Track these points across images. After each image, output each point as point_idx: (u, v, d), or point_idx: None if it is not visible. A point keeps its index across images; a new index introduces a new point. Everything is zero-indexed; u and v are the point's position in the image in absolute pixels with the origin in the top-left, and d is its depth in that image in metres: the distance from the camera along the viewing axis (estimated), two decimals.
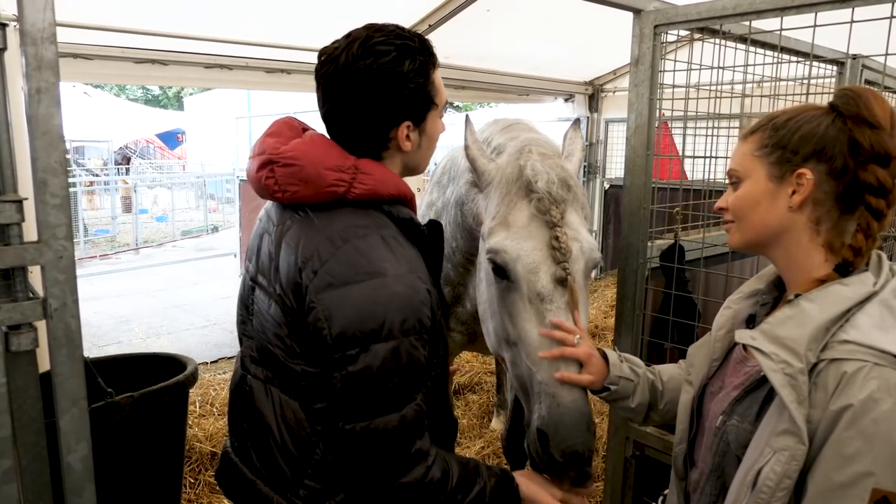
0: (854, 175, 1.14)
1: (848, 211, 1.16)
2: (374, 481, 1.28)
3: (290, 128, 1.45)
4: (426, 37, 1.41)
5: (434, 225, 1.48)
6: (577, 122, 2.01)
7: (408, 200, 1.41)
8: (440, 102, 1.43)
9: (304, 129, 1.47)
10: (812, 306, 1.13)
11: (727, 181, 1.32)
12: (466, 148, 1.88)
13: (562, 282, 1.61)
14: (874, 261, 1.18)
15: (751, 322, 1.33)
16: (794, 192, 1.17)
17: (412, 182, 4.97)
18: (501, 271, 1.66)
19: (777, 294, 1.32)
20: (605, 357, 1.57)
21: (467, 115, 1.97)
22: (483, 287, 1.85)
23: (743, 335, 1.19)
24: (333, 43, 1.37)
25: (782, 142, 1.18)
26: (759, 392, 1.18)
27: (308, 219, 1.34)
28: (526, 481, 1.48)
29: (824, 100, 1.26)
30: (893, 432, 1.00)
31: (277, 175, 1.34)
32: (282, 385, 1.35)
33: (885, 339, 1.06)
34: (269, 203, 1.48)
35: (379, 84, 1.32)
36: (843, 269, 1.16)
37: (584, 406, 1.52)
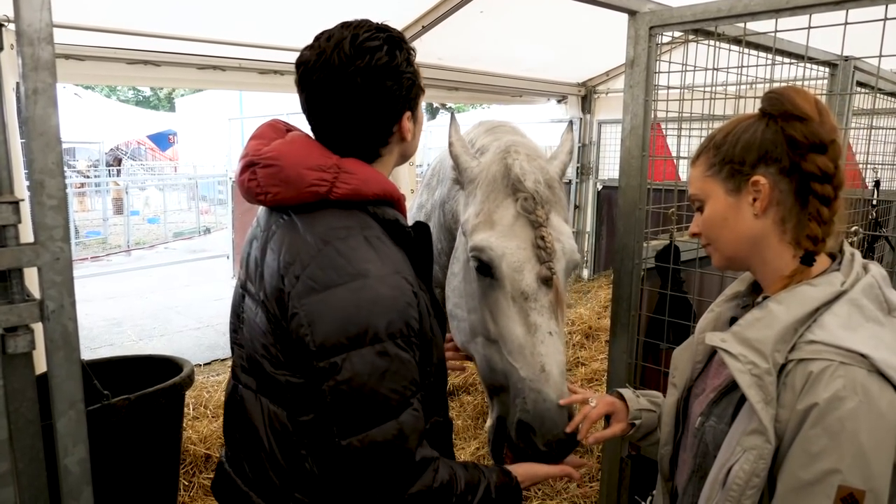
0: (799, 168, 1.17)
1: (805, 204, 1.19)
2: (382, 496, 1.23)
3: (274, 130, 1.43)
4: (421, 38, 1.43)
5: (421, 227, 1.44)
6: (570, 124, 2.02)
7: (394, 201, 1.37)
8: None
9: (288, 129, 1.45)
10: (779, 308, 1.15)
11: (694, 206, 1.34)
12: (451, 145, 1.87)
13: (546, 281, 1.62)
14: (847, 259, 1.21)
15: (733, 324, 1.35)
16: (754, 200, 1.20)
17: (407, 182, 4.94)
18: (486, 269, 1.66)
19: (756, 295, 1.34)
20: (621, 397, 1.60)
21: (452, 112, 1.98)
22: (457, 281, 1.85)
23: (713, 338, 1.22)
24: (313, 49, 1.32)
25: (727, 156, 1.22)
26: (735, 393, 1.20)
27: (291, 222, 1.31)
28: (517, 466, 1.49)
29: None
30: (859, 430, 1.02)
31: (259, 177, 1.31)
32: (270, 395, 1.32)
33: (853, 337, 1.08)
34: (260, 207, 1.45)
35: (381, 80, 1.30)
36: (808, 259, 1.19)
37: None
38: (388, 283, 1.22)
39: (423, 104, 1.47)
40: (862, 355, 1.05)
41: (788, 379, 1.11)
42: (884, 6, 1.56)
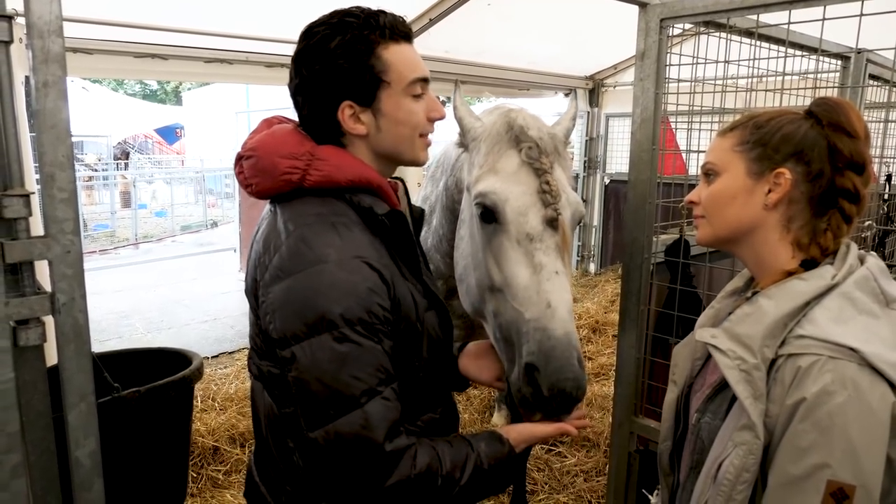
0: (831, 180, 1.17)
1: (820, 213, 1.20)
2: (358, 489, 1.19)
3: (267, 124, 1.44)
4: (428, 31, 1.38)
5: (395, 215, 1.34)
6: (574, 93, 2.00)
7: (374, 188, 1.32)
8: (394, 80, 1.30)
9: (280, 122, 1.45)
10: (769, 303, 1.15)
11: (700, 175, 1.33)
12: (455, 108, 1.87)
13: (552, 222, 1.58)
14: (841, 252, 1.20)
15: None
16: (770, 191, 1.20)
17: (412, 176, 4.96)
18: (489, 215, 1.62)
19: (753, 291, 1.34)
20: None
21: (457, 80, 1.97)
22: (465, 242, 1.83)
23: (704, 334, 1.22)
24: None
25: (763, 139, 1.21)
26: (728, 390, 1.19)
27: (274, 212, 1.32)
28: (511, 427, 1.41)
29: (831, 94, 1.27)
30: (848, 425, 1.02)
31: (244, 168, 1.34)
32: (267, 387, 1.33)
33: (843, 331, 1.07)
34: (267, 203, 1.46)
35: (309, 65, 1.29)
36: (810, 265, 1.19)
37: (575, 340, 1.46)
38: (347, 267, 1.19)
39: (402, 98, 1.33)
40: (852, 349, 1.05)
41: (778, 374, 1.11)
42: None
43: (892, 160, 3.22)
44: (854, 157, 1.16)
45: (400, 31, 1.32)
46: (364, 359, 1.17)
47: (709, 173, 1.29)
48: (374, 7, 1.34)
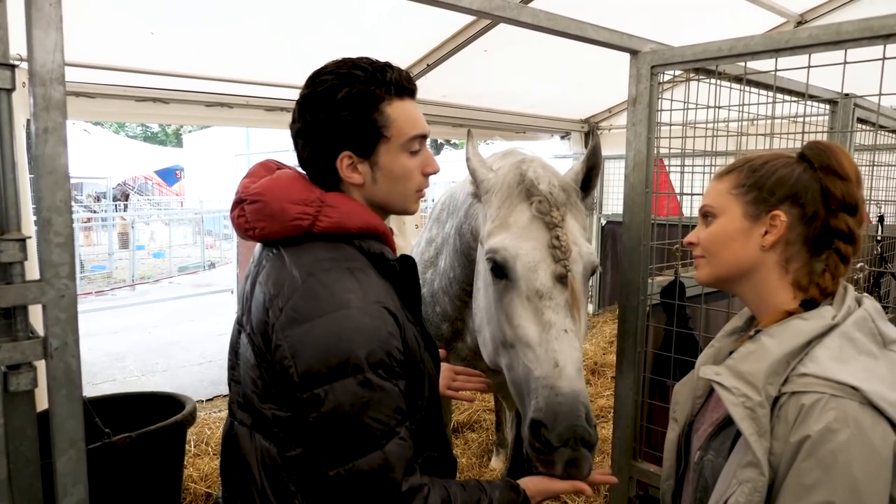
0: (825, 222, 1.20)
1: (817, 254, 1.22)
2: None
3: (265, 168, 1.47)
4: (426, 75, 1.42)
5: (406, 260, 1.44)
6: (593, 133, 2.02)
7: (380, 235, 1.38)
8: (394, 135, 1.35)
9: (279, 167, 1.48)
10: (771, 341, 1.17)
11: (699, 216, 1.36)
12: (468, 160, 1.90)
13: (561, 279, 1.59)
14: (839, 293, 1.22)
15: None
16: (766, 233, 1.23)
17: (410, 218, 4.94)
18: (500, 270, 1.65)
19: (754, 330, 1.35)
20: None
21: (469, 130, 2.00)
22: (481, 294, 1.84)
23: (707, 371, 1.23)
24: None
25: (759, 182, 1.24)
26: (732, 427, 1.20)
27: (280, 255, 1.33)
28: (528, 479, 1.42)
29: (819, 138, 1.30)
30: (852, 462, 1.02)
31: (247, 213, 1.36)
32: (262, 431, 1.32)
33: (844, 370, 1.09)
34: (257, 244, 1.47)
35: (314, 112, 1.33)
36: (810, 305, 1.21)
37: (584, 397, 1.46)
38: (369, 312, 1.23)
39: (400, 154, 1.37)
40: (853, 388, 1.06)
41: (782, 412, 1.12)
42: (882, 45, 1.58)
43: (883, 202, 3.26)
44: (847, 199, 1.19)
45: (405, 87, 1.37)
46: (385, 402, 1.21)
47: (707, 215, 1.32)
48: (377, 52, 1.39)
